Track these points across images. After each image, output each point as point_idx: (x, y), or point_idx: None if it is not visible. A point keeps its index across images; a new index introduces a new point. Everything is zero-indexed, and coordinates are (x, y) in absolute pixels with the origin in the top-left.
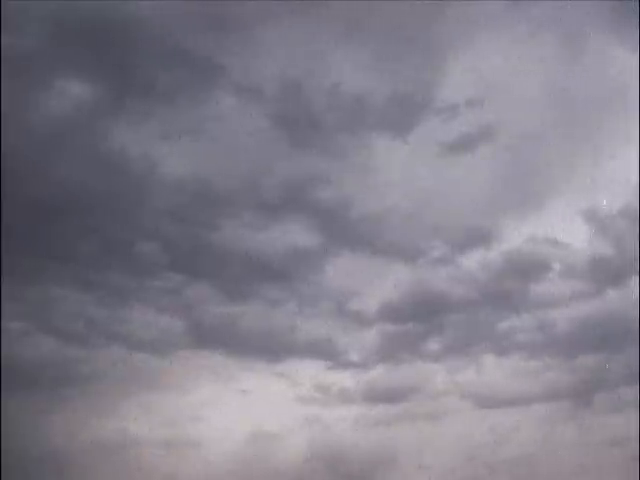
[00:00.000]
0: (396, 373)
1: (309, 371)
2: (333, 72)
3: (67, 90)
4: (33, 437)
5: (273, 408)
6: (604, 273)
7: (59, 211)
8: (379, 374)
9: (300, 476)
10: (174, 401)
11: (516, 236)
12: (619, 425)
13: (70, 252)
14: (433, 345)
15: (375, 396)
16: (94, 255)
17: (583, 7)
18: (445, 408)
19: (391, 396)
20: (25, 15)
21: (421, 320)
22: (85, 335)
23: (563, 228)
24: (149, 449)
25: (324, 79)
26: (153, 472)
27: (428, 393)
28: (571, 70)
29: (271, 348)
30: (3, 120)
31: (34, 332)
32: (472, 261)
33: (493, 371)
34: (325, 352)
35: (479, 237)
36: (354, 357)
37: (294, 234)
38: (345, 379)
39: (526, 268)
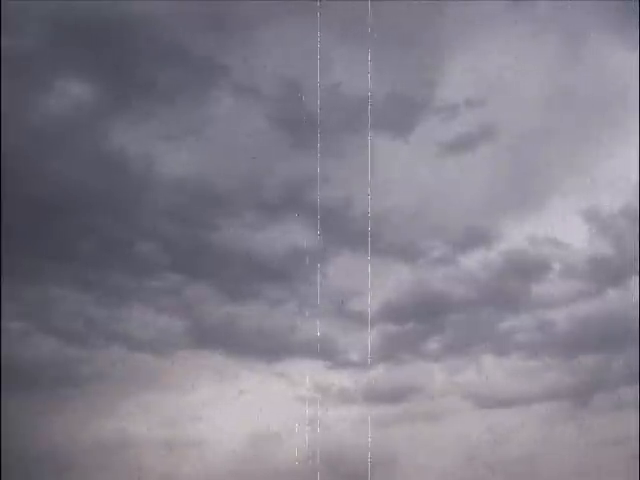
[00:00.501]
0: (396, 373)
1: (309, 371)
2: (333, 72)
3: (67, 90)
4: (33, 437)
5: (273, 408)
6: (604, 273)
7: (59, 211)
8: (379, 374)
9: (300, 476)
10: (174, 401)
11: (516, 236)
12: (619, 425)
13: (70, 252)
14: (433, 345)
15: (375, 396)
16: (94, 255)
17: (583, 7)
18: (445, 408)
19: (391, 396)
20: (25, 15)
21: (421, 320)
22: (85, 335)
23: (563, 228)
24: (149, 449)
25: (324, 79)
26: (153, 472)
27: (428, 393)
28: (571, 70)
29: (271, 348)
30: (3, 120)
31: (34, 332)
32: (472, 261)
33: (493, 371)
34: (325, 352)
35: (479, 237)
36: (354, 357)
37: (294, 234)
38: (345, 379)
39: (526, 268)
